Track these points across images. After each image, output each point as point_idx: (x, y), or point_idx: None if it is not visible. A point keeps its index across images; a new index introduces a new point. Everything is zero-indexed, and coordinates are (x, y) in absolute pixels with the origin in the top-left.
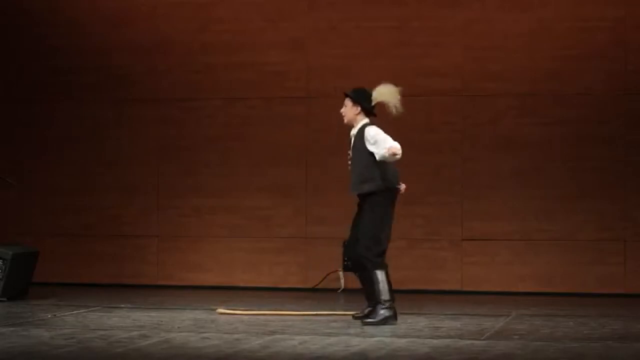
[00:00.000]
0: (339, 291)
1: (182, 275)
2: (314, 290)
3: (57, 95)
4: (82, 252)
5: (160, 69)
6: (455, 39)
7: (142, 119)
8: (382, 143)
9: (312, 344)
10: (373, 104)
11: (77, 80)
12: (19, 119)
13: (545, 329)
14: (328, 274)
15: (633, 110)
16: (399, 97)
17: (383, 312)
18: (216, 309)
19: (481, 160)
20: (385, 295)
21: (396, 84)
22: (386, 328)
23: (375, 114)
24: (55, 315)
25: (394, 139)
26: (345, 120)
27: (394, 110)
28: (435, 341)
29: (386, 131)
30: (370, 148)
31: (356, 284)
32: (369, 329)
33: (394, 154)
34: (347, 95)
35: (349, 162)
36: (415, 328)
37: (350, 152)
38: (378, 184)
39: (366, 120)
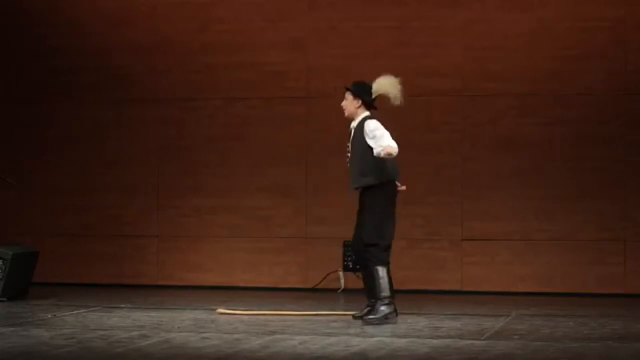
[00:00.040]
0: (339, 291)
1: (182, 275)
2: (314, 290)
3: (57, 95)
4: (82, 252)
5: (160, 69)
6: (455, 39)
7: (142, 119)
8: (379, 139)
9: (312, 344)
10: (373, 96)
11: (77, 80)
12: (19, 119)
13: (545, 329)
14: (328, 274)
15: (633, 110)
16: (399, 87)
17: (383, 309)
18: (216, 309)
19: (481, 160)
20: (385, 291)
21: None
22: (386, 328)
23: (376, 107)
24: (55, 315)
25: (394, 138)
26: (346, 114)
27: (395, 102)
28: (435, 341)
29: (386, 129)
30: (369, 142)
31: (356, 284)
32: (369, 329)
33: (389, 154)
34: (347, 89)
35: (348, 155)
36: (415, 328)
37: (349, 145)
38: (378, 177)
39: (367, 113)
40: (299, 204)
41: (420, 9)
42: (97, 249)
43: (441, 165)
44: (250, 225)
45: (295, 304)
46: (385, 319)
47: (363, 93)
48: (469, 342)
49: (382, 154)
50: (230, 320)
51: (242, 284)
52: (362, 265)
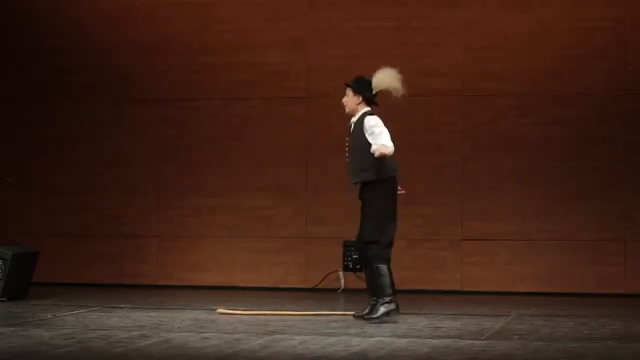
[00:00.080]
0: (339, 291)
1: (182, 275)
2: (314, 290)
3: (57, 95)
4: (82, 252)
5: (160, 69)
6: (455, 39)
7: (142, 119)
8: (377, 137)
9: (312, 344)
10: (374, 92)
11: (77, 80)
12: (19, 119)
13: (545, 329)
14: (328, 274)
15: (633, 110)
16: (399, 77)
17: (383, 309)
18: (216, 309)
19: (481, 160)
20: (386, 290)
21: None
22: (386, 328)
23: (377, 102)
24: (55, 315)
25: (394, 138)
26: (347, 110)
27: (398, 94)
28: (435, 341)
29: (387, 128)
30: (369, 138)
31: (356, 284)
32: (369, 329)
33: (382, 154)
34: (348, 85)
35: (346, 149)
36: (415, 328)
37: (348, 140)
38: (377, 173)
39: (367, 109)
40: (299, 204)
41: (420, 9)
42: (97, 249)
43: (441, 165)
44: (250, 225)
45: (295, 304)
46: (386, 317)
47: (363, 89)
48: (469, 342)
49: (375, 154)
50: (230, 320)
51: (242, 284)
52: (365, 265)
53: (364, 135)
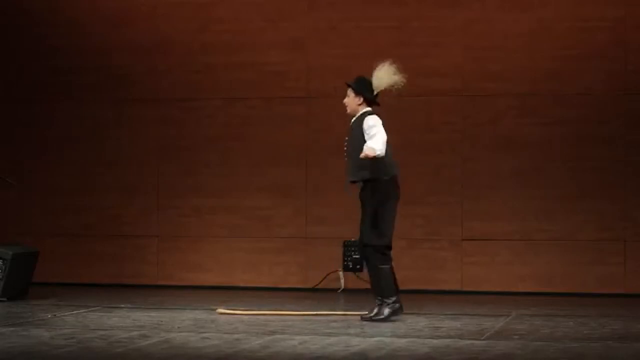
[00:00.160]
0: (339, 291)
1: (182, 275)
2: (314, 290)
3: (57, 95)
4: (82, 252)
5: (160, 69)
6: (455, 39)
7: (142, 119)
8: (370, 138)
9: (312, 344)
10: (375, 93)
11: (77, 80)
12: (19, 119)
13: (545, 329)
14: (328, 274)
15: (633, 110)
16: (397, 74)
17: (390, 309)
18: (216, 309)
19: (481, 160)
20: (390, 290)
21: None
22: (386, 328)
23: (379, 103)
24: (55, 315)
25: (394, 139)
26: (348, 110)
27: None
28: (435, 341)
29: (387, 128)
30: (366, 138)
31: (356, 284)
32: (369, 329)
33: (366, 156)
34: (349, 86)
35: (345, 148)
36: (415, 328)
37: (348, 139)
38: (374, 172)
39: (368, 109)
40: (299, 204)
41: (420, 9)
42: (97, 249)
43: (441, 165)
44: (250, 225)
45: (295, 304)
46: (392, 317)
47: (365, 90)
48: (469, 342)
49: (360, 155)
50: (230, 320)
51: (242, 284)
52: (366, 265)
53: (363, 134)
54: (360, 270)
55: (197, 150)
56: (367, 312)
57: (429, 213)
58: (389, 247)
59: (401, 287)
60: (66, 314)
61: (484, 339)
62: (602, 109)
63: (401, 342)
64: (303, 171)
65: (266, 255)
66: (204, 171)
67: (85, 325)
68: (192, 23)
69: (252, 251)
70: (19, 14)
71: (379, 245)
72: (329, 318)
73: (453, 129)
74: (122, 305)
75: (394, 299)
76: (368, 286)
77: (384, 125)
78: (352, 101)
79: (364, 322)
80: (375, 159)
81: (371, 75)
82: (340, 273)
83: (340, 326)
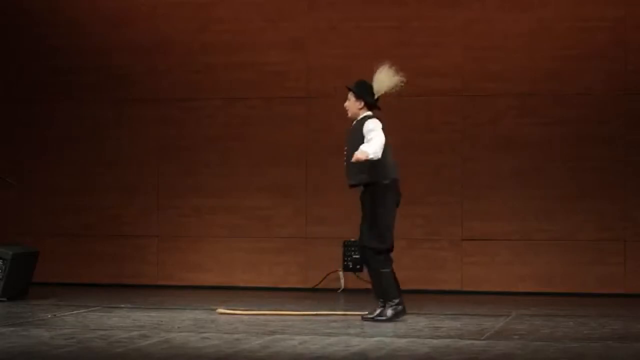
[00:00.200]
0: (339, 291)
1: (182, 275)
2: (314, 290)
3: (57, 95)
4: (82, 252)
5: (160, 69)
6: (455, 39)
7: (142, 119)
8: (367, 142)
9: (312, 344)
10: (376, 97)
11: (77, 80)
12: (19, 119)
13: (545, 329)
14: (328, 274)
15: (633, 110)
16: (397, 76)
17: (392, 310)
18: (216, 309)
19: (481, 160)
20: (393, 292)
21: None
22: (386, 328)
23: (380, 107)
24: (55, 315)
25: (394, 139)
26: (349, 114)
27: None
28: (435, 341)
29: (387, 129)
30: (365, 141)
31: (356, 284)
32: (369, 329)
33: (357, 159)
34: (350, 89)
35: (345, 150)
36: (415, 328)
37: (348, 141)
38: (374, 175)
39: (369, 113)
40: (299, 204)
41: (420, 9)
42: (97, 249)
43: (441, 165)
44: (250, 225)
45: (295, 304)
46: (395, 319)
47: (365, 94)
48: (469, 342)
49: (352, 158)
50: (230, 320)
51: (242, 284)
52: (366, 266)
53: (363, 138)
54: (361, 270)
55: (197, 150)
56: (367, 312)
57: (429, 213)
58: (390, 250)
59: (401, 287)
60: (66, 314)
61: (484, 339)
62: (602, 109)
63: (401, 342)
64: (303, 171)
65: (266, 255)
66: (204, 171)
67: (85, 325)
68: (192, 23)
69: (252, 251)
70: (19, 14)
71: (379, 248)
72: (329, 318)
73: (453, 129)
74: (122, 305)
75: (397, 300)
76: (368, 286)
77: (384, 128)
78: (353, 105)
79: (364, 322)
80: (373, 163)
81: (371, 78)
82: (340, 273)
83: (340, 326)
